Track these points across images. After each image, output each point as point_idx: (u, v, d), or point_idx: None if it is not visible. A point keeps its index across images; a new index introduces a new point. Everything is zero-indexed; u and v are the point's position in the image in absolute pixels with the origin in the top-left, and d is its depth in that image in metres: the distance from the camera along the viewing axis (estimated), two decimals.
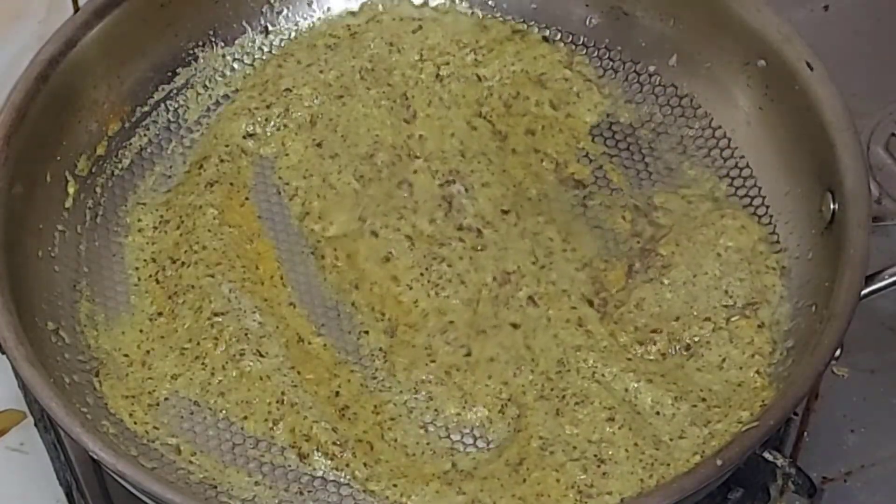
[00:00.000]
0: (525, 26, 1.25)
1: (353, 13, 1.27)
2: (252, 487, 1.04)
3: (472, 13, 1.26)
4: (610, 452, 1.03)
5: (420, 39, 1.25)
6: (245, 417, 1.07)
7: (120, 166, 1.19)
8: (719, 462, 0.95)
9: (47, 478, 1.15)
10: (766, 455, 1.00)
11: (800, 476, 1.01)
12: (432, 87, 1.23)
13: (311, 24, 1.26)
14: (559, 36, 1.25)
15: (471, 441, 1.06)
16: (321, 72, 1.23)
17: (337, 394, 1.08)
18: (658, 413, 1.05)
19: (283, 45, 1.26)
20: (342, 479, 1.04)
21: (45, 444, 1.15)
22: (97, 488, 1.11)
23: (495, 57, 1.24)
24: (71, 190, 1.15)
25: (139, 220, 1.17)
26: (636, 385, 1.06)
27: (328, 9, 1.27)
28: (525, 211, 1.16)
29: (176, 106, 1.22)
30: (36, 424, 1.16)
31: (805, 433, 1.13)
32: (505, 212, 1.16)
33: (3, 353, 1.01)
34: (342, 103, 1.22)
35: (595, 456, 1.03)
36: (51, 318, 1.08)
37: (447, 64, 1.24)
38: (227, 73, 1.24)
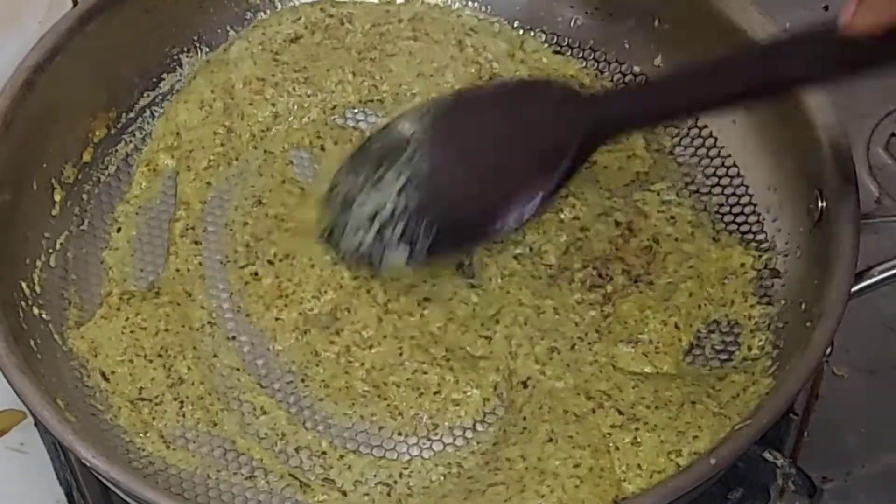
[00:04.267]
0: (510, 26, 1.26)
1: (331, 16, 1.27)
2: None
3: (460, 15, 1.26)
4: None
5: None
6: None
7: (106, 173, 1.18)
8: (713, 461, 0.95)
9: (47, 478, 1.14)
10: (766, 455, 1.00)
11: (800, 476, 1.01)
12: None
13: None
14: (543, 37, 1.25)
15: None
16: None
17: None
18: None
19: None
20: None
21: (45, 444, 1.15)
22: (97, 488, 1.11)
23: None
24: (57, 197, 1.14)
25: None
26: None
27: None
28: None
29: (161, 112, 1.22)
30: (36, 424, 1.16)
31: (805, 433, 1.13)
32: None
33: None
34: None
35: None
36: (40, 326, 1.08)
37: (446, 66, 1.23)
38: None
